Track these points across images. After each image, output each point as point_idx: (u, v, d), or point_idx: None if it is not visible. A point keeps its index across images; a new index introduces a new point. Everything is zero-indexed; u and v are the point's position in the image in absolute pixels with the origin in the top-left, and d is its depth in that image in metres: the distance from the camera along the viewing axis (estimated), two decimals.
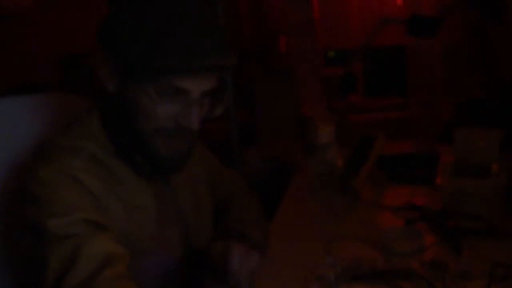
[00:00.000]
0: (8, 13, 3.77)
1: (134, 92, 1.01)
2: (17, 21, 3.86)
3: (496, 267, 1.17)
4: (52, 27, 4.00)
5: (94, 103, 1.12)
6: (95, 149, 1.06)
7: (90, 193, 1.01)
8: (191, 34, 0.97)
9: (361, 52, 3.46)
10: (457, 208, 1.51)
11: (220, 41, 1.01)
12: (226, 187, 1.45)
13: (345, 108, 3.65)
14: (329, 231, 1.50)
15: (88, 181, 1.01)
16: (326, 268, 1.26)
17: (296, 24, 3.81)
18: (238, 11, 4.12)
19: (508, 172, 1.59)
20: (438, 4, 3.03)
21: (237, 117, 2.29)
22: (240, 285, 1.14)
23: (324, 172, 1.87)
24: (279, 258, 1.37)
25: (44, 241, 0.94)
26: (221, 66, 1.02)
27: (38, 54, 3.94)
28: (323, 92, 3.75)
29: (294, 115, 3.14)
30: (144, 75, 0.99)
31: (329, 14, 4.19)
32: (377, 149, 1.82)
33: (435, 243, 1.36)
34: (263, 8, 4.21)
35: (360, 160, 1.82)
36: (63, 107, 1.32)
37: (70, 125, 1.10)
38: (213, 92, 1.06)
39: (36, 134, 1.25)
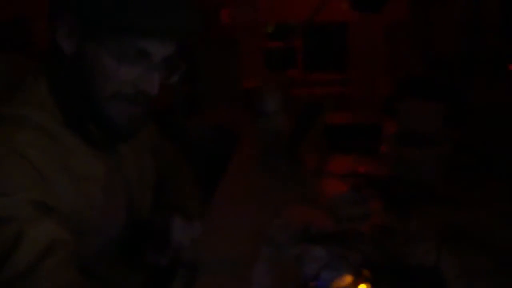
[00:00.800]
0: None
1: (94, 53, 0.96)
2: None
3: (444, 230, 1.20)
4: None
5: (41, 66, 1.04)
6: (42, 118, 0.99)
7: (36, 170, 0.94)
8: None
9: (303, 26, 3.46)
10: (401, 175, 1.54)
11: (187, 4, 0.98)
12: (164, 159, 1.42)
13: (284, 82, 3.65)
14: (277, 196, 1.50)
15: (34, 156, 0.94)
16: (276, 230, 1.26)
17: None
18: None
19: (450, 143, 1.63)
20: None
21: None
22: (181, 255, 1.13)
23: (271, 139, 1.86)
24: (227, 222, 1.36)
25: None
26: (189, 30, 0.99)
27: None
28: (263, 64, 3.75)
29: (236, 85, 3.13)
30: (107, 34, 0.95)
31: None
32: (322, 117, 1.83)
33: (382, 208, 1.38)
34: None
35: (305, 128, 1.82)
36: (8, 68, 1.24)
37: (14, 91, 1.02)
38: (172, 58, 1.03)
39: None
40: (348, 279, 0.99)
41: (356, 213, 1.33)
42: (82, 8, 0.94)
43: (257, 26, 3.89)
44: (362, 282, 0.99)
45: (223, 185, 1.62)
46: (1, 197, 0.87)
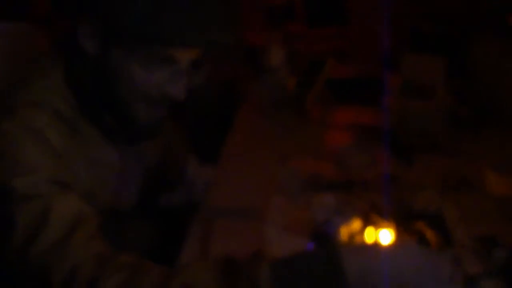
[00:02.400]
0: None
1: (119, 57, 0.95)
2: None
3: (445, 178, 1.26)
4: None
5: (60, 52, 1.03)
6: (59, 105, 1.00)
7: (55, 151, 0.95)
8: (190, 6, 0.92)
9: None
10: (404, 126, 1.58)
11: (221, 15, 0.96)
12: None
13: (287, 37, 3.65)
14: (284, 147, 1.55)
15: (53, 138, 0.96)
16: (286, 179, 1.31)
17: None
18: None
19: (452, 95, 1.68)
20: None
21: None
22: (195, 193, 1.18)
23: (276, 94, 1.90)
24: (237, 172, 1.41)
25: (8, 200, 0.89)
26: (220, 43, 0.96)
27: None
28: (265, 20, 3.74)
29: (238, 41, 3.13)
30: (137, 43, 0.93)
31: None
32: (327, 70, 1.87)
33: (386, 157, 1.43)
34: None
35: (310, 82, 1.87)
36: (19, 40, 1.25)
37: (32, 75, 1.02)
38: (197, 60, 1.00)
39: None
40: (356, 223, 1.05)
41: (362, 162, 1.38)
42: (109, 15, 0.91)
43: None
44: (370, 226, 1.05)
45: (231, 138, 1.67)
46: (25, 176, 0.89)
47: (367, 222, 1.06)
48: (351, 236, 1.04)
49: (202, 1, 0.93)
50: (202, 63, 1.00)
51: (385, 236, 1.03)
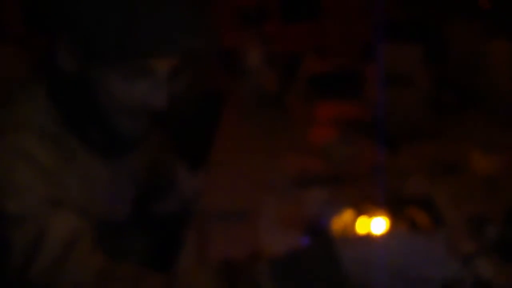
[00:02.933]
0: None
1: (100, 73, 0.95)
2: None
3: (431, 162, 1.28)
4: None
5: (40, 71, 1.04)
6: (45, 123, 1.00)
7: (45, 170, 0.95)
8: (162, 16, 0.92)
9: None
10: (387, 116, 1.60)
11: (193, 22, 0.96)
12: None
13: (263, 37, 3.65)
14: (271, 147, 1.56)
15: (41, 157, 0.95)
16: (275, 178, 1.32)
17: None
18: None
19: (431, 82, 1.70)
20: None
21: None
22: (185, 200, 1.19)
23: (257, 94, 1.91)
24: (228, 176, 1.42)
25: (3, 224, 0.89)
26: (195, 48, 0.96)
27: None
28: (238, 21, 3.74)
29: (213, 44, 3.13)
30: (115, 58, 0.93)
31: None
32: (306, 67, 1.89)
33: (372, 148, 1.45)
34: None
35: (290, 80, 1.88)
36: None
37: (16, 96, 1.02)
38: (177, 68, 1.00)
39: None
40: (348, 214, 1.06)
41: (348, 155, 1.40)
42: (86, 34, 0.92)
43: None
44: (362, 215, 1.06)
45: (218, 142, 1.68)
46: (17, 198, 0.90)
47: (359, 212, 1.07)
48: (344, 227, 1.05)
49: (173, 10, 0.94)
50: (182, 70, 1.00)
51: (378, 224, 1.04)
